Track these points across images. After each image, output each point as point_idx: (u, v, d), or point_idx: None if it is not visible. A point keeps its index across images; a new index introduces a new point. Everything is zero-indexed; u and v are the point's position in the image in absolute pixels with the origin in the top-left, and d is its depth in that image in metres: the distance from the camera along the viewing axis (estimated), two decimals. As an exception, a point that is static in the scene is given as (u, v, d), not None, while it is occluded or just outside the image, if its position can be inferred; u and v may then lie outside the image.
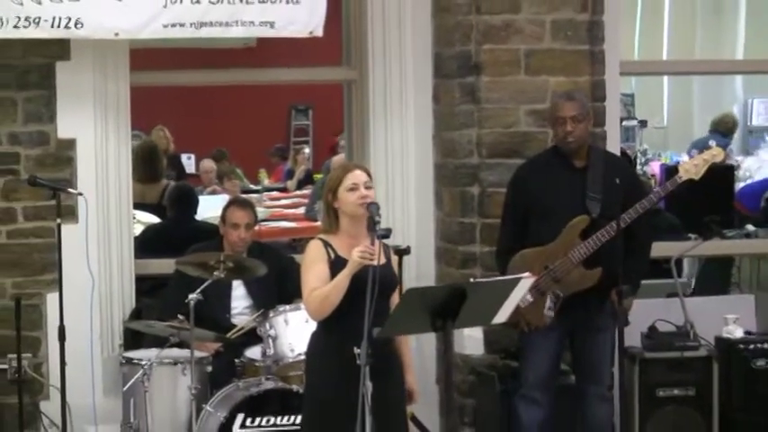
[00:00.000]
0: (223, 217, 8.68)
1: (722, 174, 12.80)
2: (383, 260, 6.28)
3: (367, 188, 6.42)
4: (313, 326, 7.40)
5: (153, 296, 8.92)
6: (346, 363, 6.20)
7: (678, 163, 11.71)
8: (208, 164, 15.59)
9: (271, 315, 7.84)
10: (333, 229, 6.52)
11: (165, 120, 14.81)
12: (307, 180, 16.93)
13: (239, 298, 8.55)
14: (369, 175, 6.55)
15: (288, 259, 8.90)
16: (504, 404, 8.31)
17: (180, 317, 7.82)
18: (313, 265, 6.44)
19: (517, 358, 8.37)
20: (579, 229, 7.89)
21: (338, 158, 13.65)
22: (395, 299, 6.55)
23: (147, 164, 11.66)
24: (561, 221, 7.90)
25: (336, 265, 6.40)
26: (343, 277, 6.24)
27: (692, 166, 7.97)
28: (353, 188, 6.42)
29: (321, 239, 6.51)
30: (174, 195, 11.08)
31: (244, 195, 12.84)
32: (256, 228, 9.02)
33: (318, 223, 13.06)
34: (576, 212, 7.91)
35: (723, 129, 13.84)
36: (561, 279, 7.89)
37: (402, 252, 8.26)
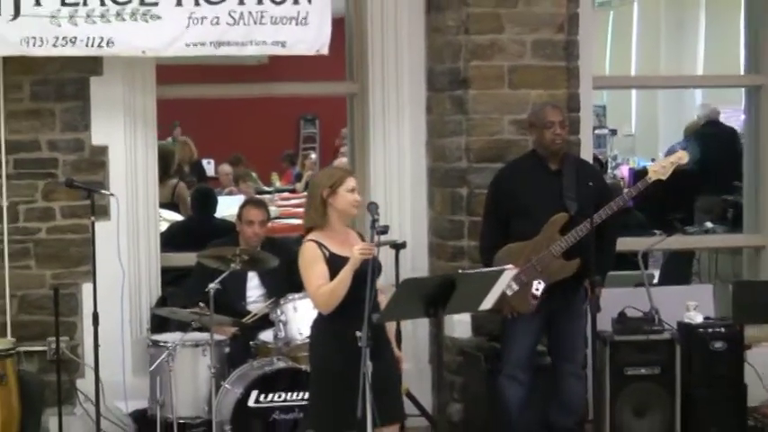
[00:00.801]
0: (240, 215, 8.65)
1: (682, 175, 12.83)
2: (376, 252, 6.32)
3: (352, 191, 6.54)
4: (319, 312, 7.43)
5: (177, 286, 8.89)
6: (347, 346, 6.19)
7: (645, 167, 11.68)
8: (226, 168, 15.59)
9: (281, 302, 7.81)
10: (321, 222, 6.52)
11: (188, 128, 14.79)
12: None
13: (254, 287, 8.52)
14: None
15: (296, 253, 8.83)
16: (490, 382, 8.28)
17: (201, 304, 7.79)
18: (313, 264, 6.43)
19: (499, 339, 8.37)
20: (559, 225, 7.90)
21: (339, 162, 13.63)
22: (379, 284, 6.50)
23: (159, 166, 11.63)
24: (542, 219, 7.91)
25: (332, 260, 6.40)
26: (347, 273, 6.23)
27: (660, 168, 7.99)
28: (352, 190, 6.49)
29: (314, 241, 6.49)
30: (196, 196, 11.08)
31: (257, 196, 12.84)
32: (269, 224, 8.98)
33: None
34: (555, 211, 7.91)
35: (692, 131, 13.79)
36: (544, 270, 7.89)
37: (398, 246, 8.29)
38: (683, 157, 8.20)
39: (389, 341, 6.70)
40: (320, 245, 6.47)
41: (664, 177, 7.97)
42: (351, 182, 6.50)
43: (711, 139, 13.34)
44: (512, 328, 8.09)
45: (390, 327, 6.79)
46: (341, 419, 6.28)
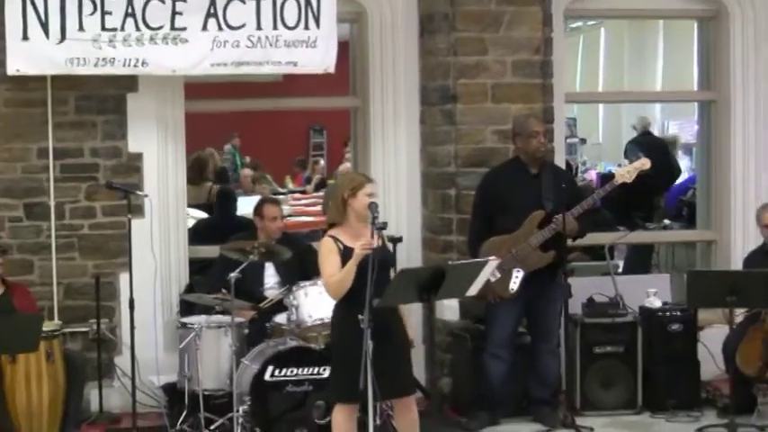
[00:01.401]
0: (260, 213, 8.61)
1: (643, 179, 12.82)
2: (380, 243, 6.40)
3: (370, 195, 6.55)
4: (326, 297, 7.49)
5: (202, 275, 8.88)
6: (359, 327, 6.19)
7: (611, 171, 11.70)
8: (246, 171, 15.57)
9: (294, 289, 7.79)
10: (341, 220, 6.55)
11: (212, 138, 14.77)
12: (321, 184, 16.90)
13: (270, 276, 8.50)
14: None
15: (306, 246, 8.87)
16: (475, 359, 8.29)
17: (223, 291, 7.79)
18: (327, 256, 6.47)
19: (484, 322, 8.38)
20: (537, 221, 7.97)
21: (344, 167, 13.64)
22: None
23: (196, 170, 11.69)
24: (522, 215, 7.99)
25: (345, 253, 6.42)
26: (352, 266, 6.28)
27: (625, 172, 8.04)
28: (370, 195, 6.52)
29: (331, 236, 6.52)
30: (219, 196, 11.08)
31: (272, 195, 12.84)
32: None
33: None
34: (534, 209, 7.99)
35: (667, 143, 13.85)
36: (523, 260, 7.92)
37: (396, 240, 8.30)
38: (645, 163, 8.25)
39: (403, 324, 6.70)
40: (336, 240, 6.50)
41: (629, 180, 8.02)
42: (369, 187, 6.56)
43: (646, 147, 13.46)
44: (495, 312, 8.12)
45: (404, 310, 6.79)
46: (355, 390, 6.24)
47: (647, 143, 13.73)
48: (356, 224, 6.54)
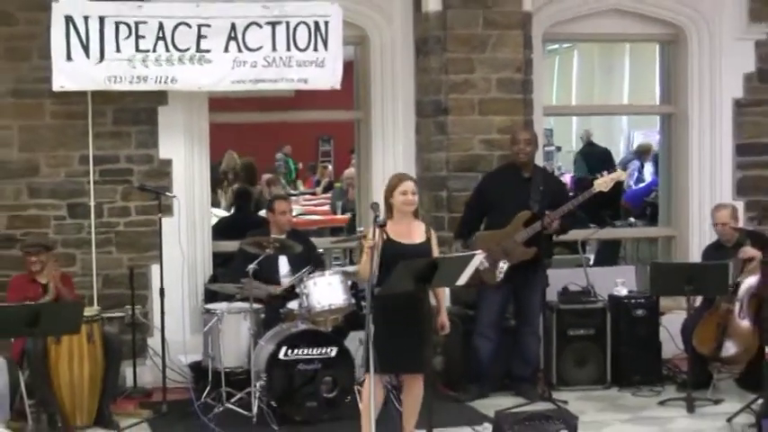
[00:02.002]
0: (272, 209, 8.59)
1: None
2: (421, 239, 6.59)
3: (413, 194, 6.64)
4: (333, 287, 7.53)
5: (224, 266, 8.86)
6: (392, 310, 6.34)
7: (589, 177, 11.68)
8: (265, 176, 15.51)
9: (304, 279, 7.79)
10: (389, 216, 6.62)
11: (233, 145, 14.73)
12: (329, 187, 16.88)
13: (283, 267, 8.48)
14: (415, 183, 6.74)
15: (312, 243, 8.85)
16: (465, 340, 8.29)
17: (243, 280, 7.80)
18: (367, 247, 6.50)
19: (474, 308, 8.37)
20: (523, 220, 8.00)
21: (349, 171, 13.60)
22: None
23: (245, 177, 11.77)
24: (511, 214, 8.02)
25: (389, 244, 6.49)
26: (366, 260, 6.37)
27: (603, 182, 8.01)
28: (404, 193, 6.58)
29: (382, 227, 6.51)
30: (237, 195, 11.05)
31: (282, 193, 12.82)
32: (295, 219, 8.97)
33: (337, 216, 13.16)
34: (522, 209, 8.01)
35: (641, 151, 13.79)
36: (508, 253, 7.94)
37: (394, 236, 8.26)
38: (621, 174, 8.38)
39: (435, 313, 6.73)
40: (384, 231, 6.51)
41: (605, 190, 8.01)
42: (403, 186, 6.63)
43: (591, 156, 13.58)
44: (485, 298, 8.17)
45: (441, 297, 6.87)
46: (381, 363, 6.32)
47: (591, 152, 13.90)
48: (402, 219, 6.64)
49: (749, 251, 8.03)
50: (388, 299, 6.37)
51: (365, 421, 6.31)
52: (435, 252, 6.72)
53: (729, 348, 8.01)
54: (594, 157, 13.85)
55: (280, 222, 8.47)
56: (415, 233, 6.63)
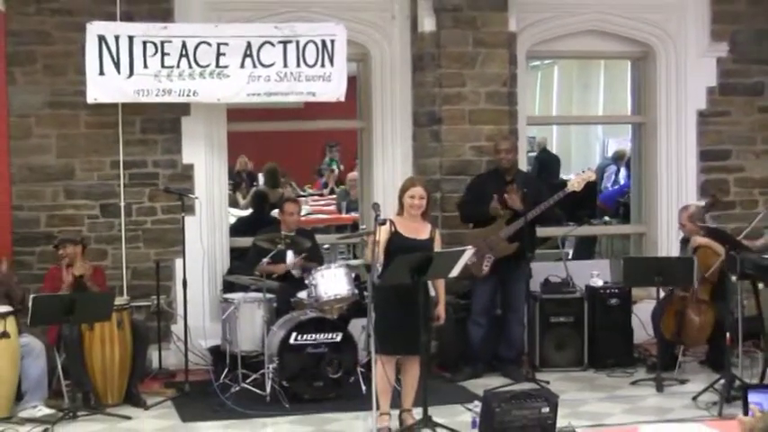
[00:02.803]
0: (282, 209, 8.56)
1: (589, 185, 12.80)
2: (425, 237, 6.60)
3: (420, 198, 6.64)
4: (338, 278, 7.51)
5: (240, 260, 8.83)
6: (397, 297, 6.38)
7: (564, 179, 11.69)
8: (277, 179, 15.50)
9: (312, 271, 7.76)
10: (402, 212, 6.67)
11: (248, 151, 14.72)
12: (334, 190, 16.82)
13: (290, 258, 8.41)
14: (425, 189, 6.72)
15: (315, 240, 8.80)
16: (457, 326, 8.27)
17: (256, 273, 7.76)
18: (381, 235, 6.48)
19: (465, 298, 8.36)
20: (505, 218, 7.93)
21: (352, 175, 13.54)
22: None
23: (271, 179, 11.74)
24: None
25: (396, 236, 6.57)
26: (372, 247, 6.40)
27: (575, 183, 8.04)
28: (412, 197, 6.61)
29: (390, 220, 6.64)
30: (254, 197, 11.03)
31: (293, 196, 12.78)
32: (302, 217, 8.93)
33: (342, 215, 13.12)
34: (505, 207, 7.98)
35: (617, 157, 13.76)
36: (493, 248, 7.92)
37: (393, 233, 8.24)
38: (591, 175, 8.40)
39: (433, 303, 6.74)
40: (392, 223, 6.60)
41: (578, 189, 8.02)
42: (412, 191, 6.66)
43: (545, 161, 13.88)
44: (476, 289, 8.19)
45: (441, 290, 6.85)
46: (390, 346, 6.45)
47: (545, 158, 13.98)
48: (411, 218, 6.67)
49: (698, 240, 8.04)
50: (391, 289, 6.35)
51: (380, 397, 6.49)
52: (437, 249, 6.69)
53: (687, 331, 8.02)
54: (547, 162, 13.97)
55: (288, 222, 8.44)
56: (421, 231, 6.64)
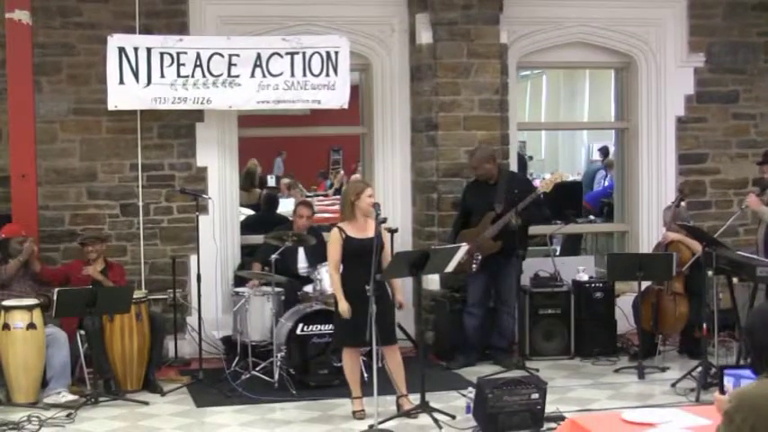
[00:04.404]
0: (295, 211, 8.57)
1: (574, 186, 12.83)
2: (371, 234, 6.44)
3: (370, 197, 6.59)
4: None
5: (250, 256, 8.81)
6: (355, 294, 6.29)
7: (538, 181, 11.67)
8: (285, 180, 15.46)
9: (318, 267, 7.76)
10: (350, 216, 6.55)
11: (259, 155, 14.69)
12: (339, 190, 16.82)
13: (301, 257, 8.41)
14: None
15: (323, 238, 8.77)
16: (451, 318, 8.27)
17: (265, 268, 7.74)
18: (333, 244, 6.54)
19: (458, 291, 8.35)
20: (490, 219, 8.02)
21: (354, 177, 13.54)
22: (386, 253, 6.64)
23: (247, 180, 11.68)
24: (481, 215, 8.08)
25: (347, 241, 6.48)
26: (337, 287, 6.46)
27: (544, 184, 8.06)
28: (371, 196, 6.56)
29: (338, 227, 6.55)
30: (265, 200, 11.02)
31: (306, 198, 12.77)
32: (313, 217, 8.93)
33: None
34: (489, 210, 8.03)
35: (608, 164, 13.71)
36: (480, 247, 7.94)
37: (393, 231, 8.27)
38: (559, 176, 8.42)
39: (390, 294, 6.68)
40: (341, 230, 6.50)
41: (547, 190, 8.05)
42: (369, 191, 6.62)
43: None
44: (471, 283, 8.19)
45: (397, 283, 6.80)
46: (356, 338, 6.40)
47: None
48: (361, 219, 6.54)
49: (669, 235, 8.04)
50: (351, 291, 6.36)
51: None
52: (387, 243, 6.74)
53: (663, 321, 8.03)
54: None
55: (298, 223, 8.43)
56: (369, 229, 6.55)
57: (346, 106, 8.52)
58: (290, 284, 7.99)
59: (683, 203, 8.42)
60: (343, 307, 6.37)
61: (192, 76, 8.18)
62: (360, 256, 6.30)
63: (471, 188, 8.29)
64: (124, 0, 8.35)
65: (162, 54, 8.12)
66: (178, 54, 8.15)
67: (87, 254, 7.79)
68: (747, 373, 3.71)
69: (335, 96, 8.43)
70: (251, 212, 11.04)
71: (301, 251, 8.38)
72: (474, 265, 7.94)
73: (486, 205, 8.04)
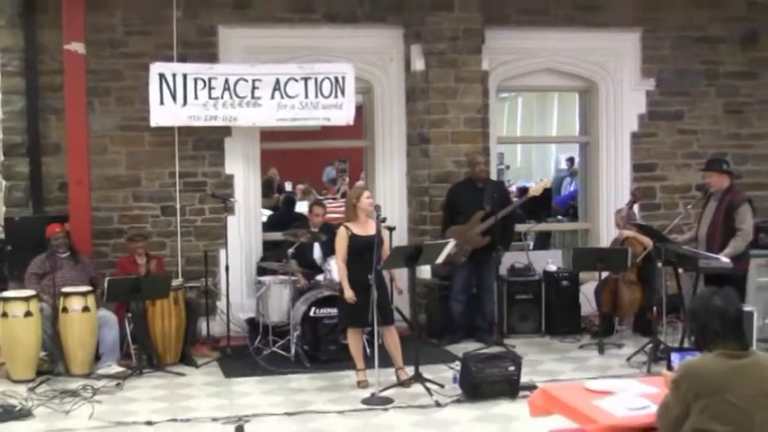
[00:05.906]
0: (310, 211, 8.54)
1: (546, 191, 12.78)
2: (373, 231, 6.43)
3: (368, 198, 6.60)
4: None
5: (271, 251, 8.81)
6: (358, 282, 6.26)
7: (526, 186, 11.66)
8: (300, 186, 15.45)
9: (328, 259, 7.76)
10: (353, 217, 6.54)
11: (278, 165, 14.67)
12: (345, 195, 16.77)
13: (317, 251, 8.40)
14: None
15: (334, 233, 8.77)
16: (441, 303, 8.27)
17: (284, 260, 7.74)
18: (340, 241, 6.50)
19: (447, 280, 8.34)
20: (479, 217, 7.96)
21: (358, 183, 13.53)
22: (385, 248, 6.64)
23: (267, 187, 11.66)
24: (471, 213, 8.03)
25: (352, 238, 6.46)
26: (343, 276, 6.41)
27: (535, 189, 8.04)
28: (369, 198, 6.56)
29: (345, 226, 6.53)
30: (284, 201, 11.03)
31: (320, 199, 12.75)
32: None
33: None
34: (478, 209, 7.99)
35: (573, 173, 13.68)
36: (470, 241, 7.90)
37: (391, 229, 8.26)
38: (547, 183, 8.45)
39: (388, 283, 6.72)
40: (347, 228, 6.48)
41: (537, 194, 8.04)
42: (366, 193, 6.62)
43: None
44: (456, 274, 8.16)
45: (395, 275, 6.85)
46: (360, 319, 6.36)
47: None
48: (363, 218, 6.52)
49: (625, 233, 8.08)
50: (354, 280, 6.34)
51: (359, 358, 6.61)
52: (386, 239, 6.76)
53: (620, 305, 8.06)
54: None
55: (313, 221, 8.43)
56: (370, 227, 6.54)
57: (352, 123, 8.53)
58: (305, 274, 8.00)
59: (635, 205, 8.44)
60: (349, 294, 6.38)
61: (222, 97, 8.19)
62: (363, 251, 6.32)
63: (460, 189, 8.25)
64: (164, 33, 8.36)
65: (196, 79, 8.14)
66: (209, 79, 8.17)
67: (135, 249, 7.82)
68: (692, 354, 3.74)
69: (343, 115, 8.44)
70: (271, 213, 11.04)
71: (316, 245, 8.39)
72: (463, 257, 7.95)
73: (475, 204, 8.01)
